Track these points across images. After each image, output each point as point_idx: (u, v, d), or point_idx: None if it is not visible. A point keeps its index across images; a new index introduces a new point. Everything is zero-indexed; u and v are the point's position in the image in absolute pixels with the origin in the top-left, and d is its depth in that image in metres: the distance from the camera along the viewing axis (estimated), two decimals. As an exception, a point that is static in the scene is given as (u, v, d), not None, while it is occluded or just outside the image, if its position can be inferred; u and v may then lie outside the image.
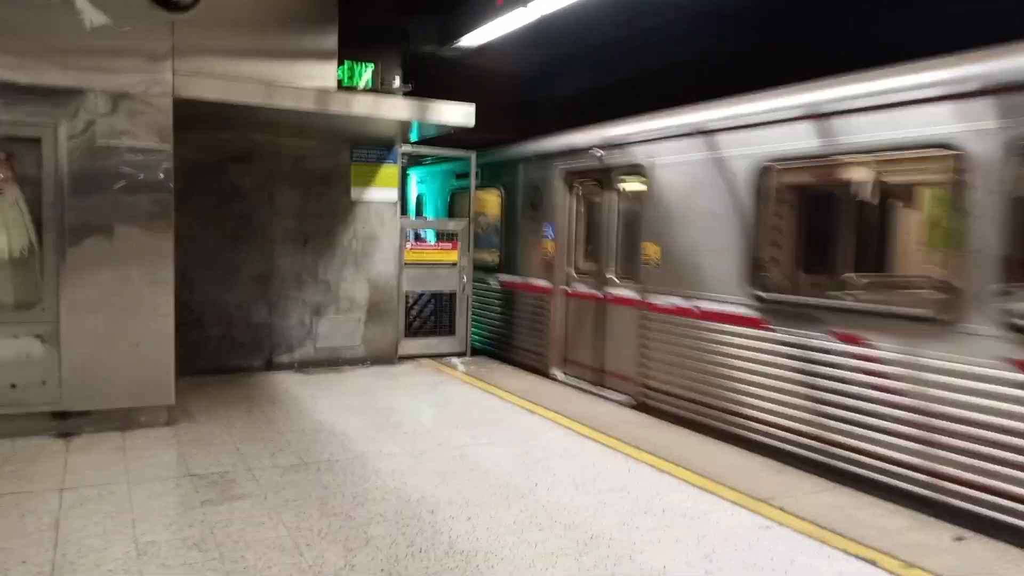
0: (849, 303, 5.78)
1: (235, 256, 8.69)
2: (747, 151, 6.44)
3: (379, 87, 7.62)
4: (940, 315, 5.01)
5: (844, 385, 5.61)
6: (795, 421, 5.99)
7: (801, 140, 5.97)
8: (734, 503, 4.99)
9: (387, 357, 9.54)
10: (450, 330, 10.22)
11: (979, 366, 4.78)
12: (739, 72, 7.64)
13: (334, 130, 8.57)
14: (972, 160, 4.82)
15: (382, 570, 3.91)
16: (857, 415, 5.52)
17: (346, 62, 7.53)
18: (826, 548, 4.33)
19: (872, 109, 5.45)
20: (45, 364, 6.10)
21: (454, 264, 10.15)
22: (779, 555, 4.23)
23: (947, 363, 4.97)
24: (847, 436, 5.58)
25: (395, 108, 7.67)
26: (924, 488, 5.07)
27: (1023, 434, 4.58)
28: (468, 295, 10.23)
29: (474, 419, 6.98)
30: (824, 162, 5.94)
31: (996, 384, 4.70)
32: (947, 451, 4.96)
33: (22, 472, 5.26)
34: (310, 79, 7.41)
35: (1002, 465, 4.66)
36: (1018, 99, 4.60)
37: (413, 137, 9.40)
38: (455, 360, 9.93)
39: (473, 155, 10.20)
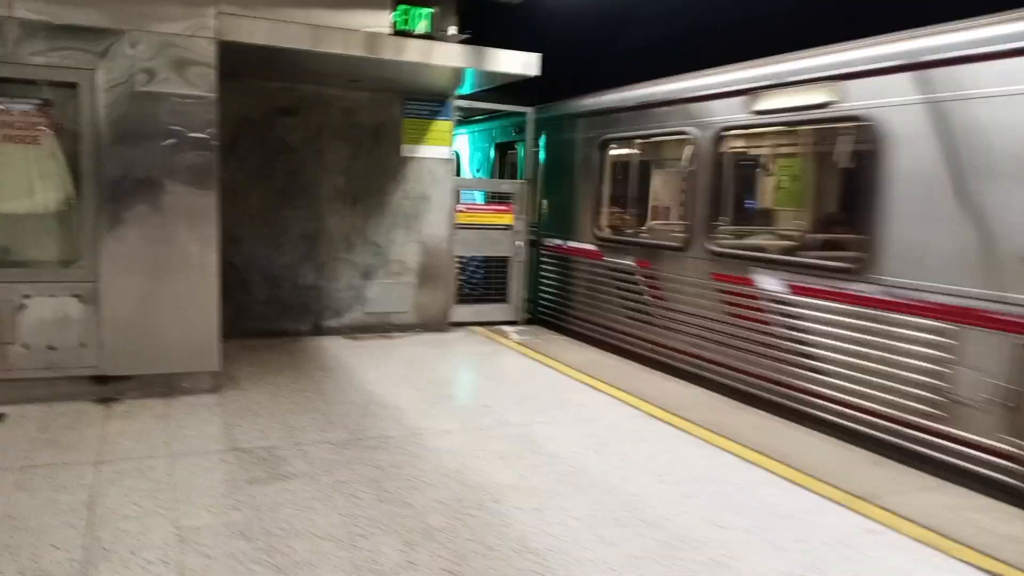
0: (643, 240, 8.44)
1: (282, 215, 8.28)
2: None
3: (436, 35, 7.05)
4: (682, 247, 7.46)
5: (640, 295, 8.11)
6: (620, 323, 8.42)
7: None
8: (832, 500, 4.45)
9: (438, 324, 9.11)
10: (503, 297, 9.74)
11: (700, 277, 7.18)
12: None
13: (385, 80, 8.05)
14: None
15: (446, 571, 3.47)
16: (643, 314, 8.10)
17: (400, 6, 6.96)
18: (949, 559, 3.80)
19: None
20: (84, 325, 5.76)
21: (508, 227, 9.63)
22: (896, 568, 3.70)
23: (686, 276, 7.35)
24: (636, 326, 8.27)
25: (449, 55, 7.08)
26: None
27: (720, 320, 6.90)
28: (522, 260, 9.72)
29: (532, 394, 6.51)
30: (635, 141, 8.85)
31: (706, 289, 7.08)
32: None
33: (59, 440, 4.94)
34: (362, 24, 6.89)
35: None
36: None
37: (465, 89, 8.82)
38: (508, 329, 9.47)
39: (531, 111, 9.61)
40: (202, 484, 4.34)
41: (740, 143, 7.68)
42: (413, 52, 6.83)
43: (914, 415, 5.28)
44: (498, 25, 9.18)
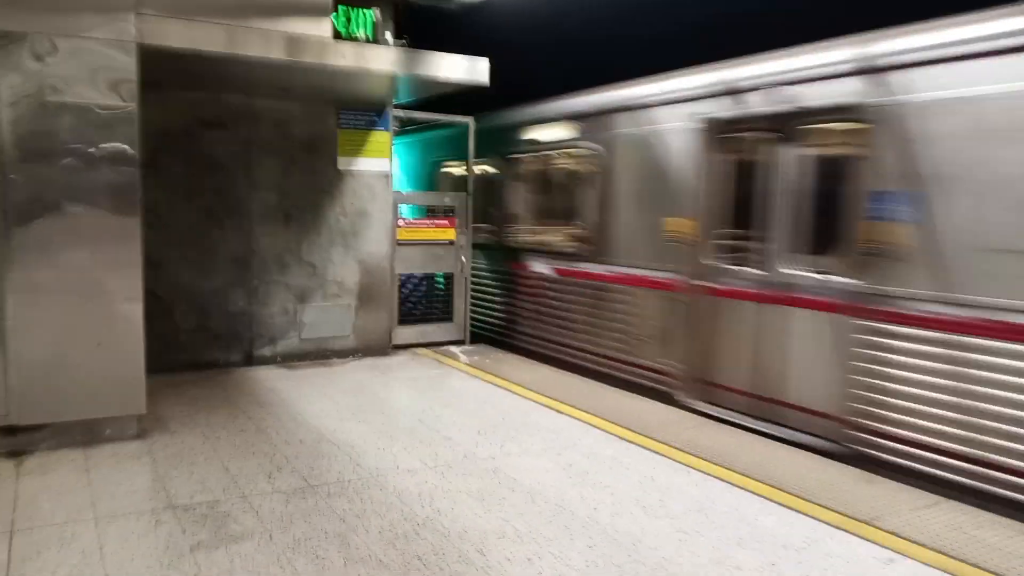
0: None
1: (209, 236, 7.62)
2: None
3: (379, 39, 6.58)
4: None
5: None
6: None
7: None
8: (836, 527, 4.17)
9: (380, 347, 8.57)
10: (447, 316, 9.27)
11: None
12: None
13: (318, 89, 7.50)
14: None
15: (442, 646, 3.00)
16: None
17: (340, 7, 6.46)
18: (976, 590, 3.54)
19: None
20: (-13, 369, 5.04)
21: (451, 243, 9.19)
22: (926, 603, 3.41)
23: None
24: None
25: (381, 59, 6.56)
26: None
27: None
28: (467, 277, 9.29)
29: (495, 421, 6.07)
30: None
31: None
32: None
33: (-40, 508, 4.24)
34: (303, 31, 6.36)
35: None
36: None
37: (405, 98, 8.35)
38: (455, 349, 9.00)
39: (471, 121, 9.19)
40: (138, 553, 3.74)
41: (532, 165, 9.35)
42: (341, 56, 6.30)
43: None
44: (434, 34, 8.76)
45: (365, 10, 6.43)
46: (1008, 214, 4.54)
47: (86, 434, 5.33)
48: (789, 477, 4.90)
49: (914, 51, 5.06)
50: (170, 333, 7.42)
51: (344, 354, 8.37)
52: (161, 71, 6.17)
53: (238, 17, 6.16)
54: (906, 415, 5.07)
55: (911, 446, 5.04)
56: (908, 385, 5.05)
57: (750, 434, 5.86)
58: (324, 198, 8.16)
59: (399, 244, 8.75)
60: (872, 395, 5.27)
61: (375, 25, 6.45)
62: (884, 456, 5.18)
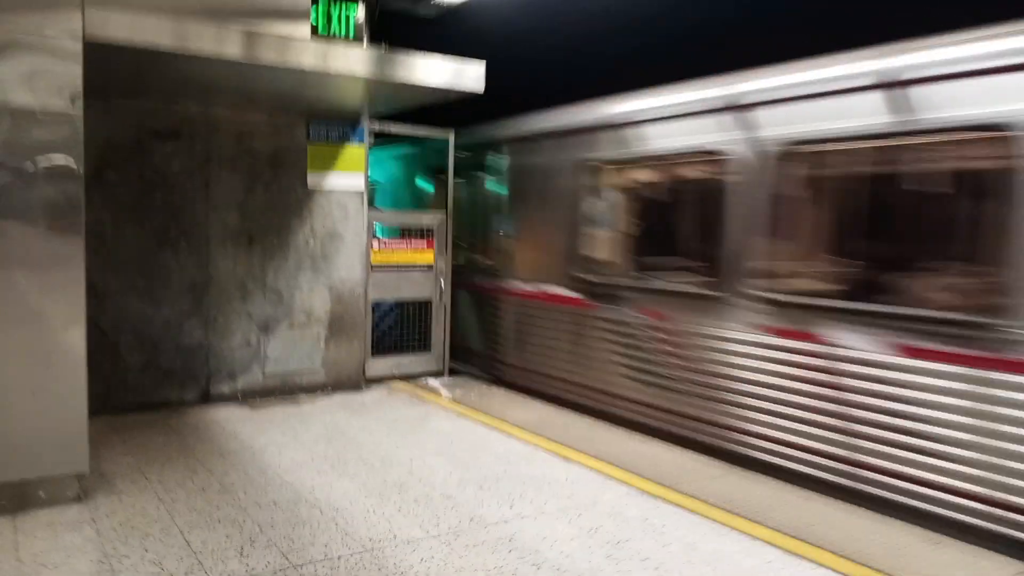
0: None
1: (161, 261, 6.76)
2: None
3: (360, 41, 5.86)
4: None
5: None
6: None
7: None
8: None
9: (353, 382, 7.78)
10: (424, 345, 8.51)
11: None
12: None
13: (284, 97, 6.69)
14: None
15: None
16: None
17: (320, 5, 5.71)
18: None
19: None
20: None
21: (430, 267, 8.45)
22: None
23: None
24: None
25: (351, 60, 5.73)
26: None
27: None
28: (446, 304, 8.55)
29: (496, 472, 5.35)
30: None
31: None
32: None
33: None
34: (278, 33, 5.60)
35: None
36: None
37: (379, 108, 7.61)
38: (434, 382, 8.24)
39: (451, 134, 8.50)
40: (81, 675, 2.91)
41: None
42: (305, 55, 5.49)
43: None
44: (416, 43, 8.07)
45: (349, 3, 5.67)
46: None
47: (15, 499, 4.46)
48: (839, 537, 4.28)
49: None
50: (116, 371, 6.54)
51: (313, 389, 7.55)
52: (108, 74, 5.36)
53: (212, 17, 5.38)
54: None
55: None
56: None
57: (779, 485, 5.24)
58: (291, 218, 7.37)
59: (373, 268, 7.98)
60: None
61: (357, 26, 5.71)
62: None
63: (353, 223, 7.69)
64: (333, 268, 7.61)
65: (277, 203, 7.29)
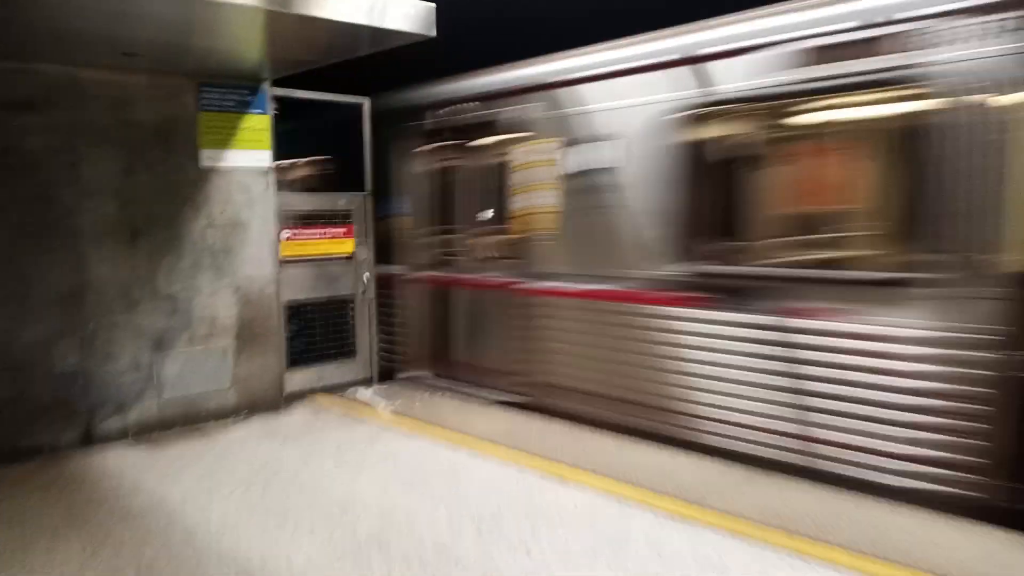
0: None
1: (19, 265, 5.24)
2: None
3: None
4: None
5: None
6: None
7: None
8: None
9: (270, 401, 6.48)
10: (349, 350, 7.29)
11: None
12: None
13: (165, 48, 5.18)
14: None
15: None
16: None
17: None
18: None
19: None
20: None
21: (349, 257, 7.22)
22: None
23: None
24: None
25: None
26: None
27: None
28: (371, 299, 7.35)
29: (491, 507, 4.31)
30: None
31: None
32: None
33: None
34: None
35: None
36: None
37: (282, 71, 6.27)
38: (366, 393, 7.05)
39: (366, 101, 7.27)
40: None
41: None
42: None
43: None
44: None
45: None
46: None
47: None
48: (961, 558, 3.55)
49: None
50: (-38, 414, 5.00)
51: (223, 415, 6.21)
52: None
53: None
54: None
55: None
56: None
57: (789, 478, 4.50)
58: (184, 206, 5.97)
59: (283, 263, 6.67)
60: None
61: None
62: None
63: (259, 209, 6.37)
64: (238, 265, 6.27)
65: (166, 187, 5.87)
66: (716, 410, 5.17)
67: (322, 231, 7.06)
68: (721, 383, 5.13)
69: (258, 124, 6.32)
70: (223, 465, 5.12)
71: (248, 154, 6.27)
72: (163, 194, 5.85)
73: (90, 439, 5.57)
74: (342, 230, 7.16)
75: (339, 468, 5.01)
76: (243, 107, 6.22)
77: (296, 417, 6.30)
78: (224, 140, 6.13)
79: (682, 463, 5.01)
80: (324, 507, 4.35)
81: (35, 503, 4.49)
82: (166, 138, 5.84)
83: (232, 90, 6.15)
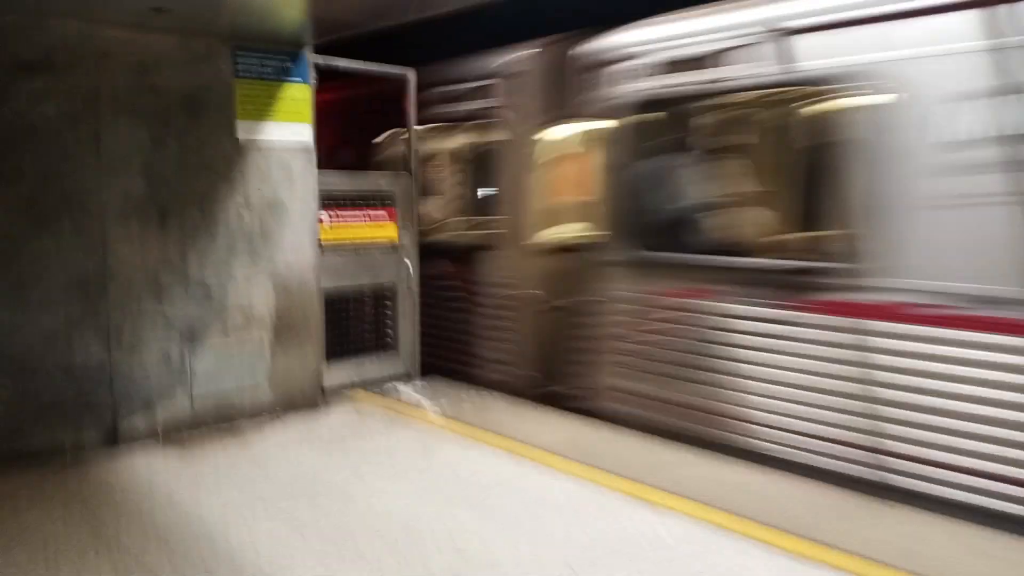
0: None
1: (30, 247, 4.69)
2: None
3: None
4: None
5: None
6: None
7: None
8: None
9: (307, 398, 5.94)
10: (391, 344, 6.73)
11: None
12: None
13: (196, 4, 4.67)
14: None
15: None
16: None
17: None
18: None
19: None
20: None
21: (393, 245, 6.65)
22: None
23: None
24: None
25: None
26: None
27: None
28: (415, 290, 6.79)
29: (579, 539, 3.76)
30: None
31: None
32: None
33: None
34: None
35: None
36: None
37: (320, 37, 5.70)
38: (406, 389, 6.50)
39: (412, 73, 6.67)
40: None
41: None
42: None
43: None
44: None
45: None
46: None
47: None
48: None
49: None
50: (-26, 413, 4.46)
51: (258, 413, 5.67)
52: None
53: None
54: None
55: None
56: None
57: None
58: (218, 184, 5.41)
59: (323, 249, 6.11)
60: None
61: None
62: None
63: (300, 189, 5.80)
64: (277, 250, 5.71)
65: (198, 163, 5.30)
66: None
67: (364, 214, 6.47)
68: None
69: (298, 94, 5.74)
70: (261, 473, 4.58)
71: (288, 127, 5.69)
72: (195, 170, 5.29)
73: (115, 439, 5.04)
74: (384, 213, 6.57)
75: (395, 483, 4.46)
76: (282, 74, 5.64)
77: (337, 418, 5.75)
78: (262, 111, 5.56)
79: (778, 485, 4.44)
80: (386, 533, 3.80)
81: (56, 513, 3.96)
82: (198, 108, 5.27)
83: (271, 55, 5.57)
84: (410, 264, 6.71)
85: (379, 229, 6.57)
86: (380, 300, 6.63)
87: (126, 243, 5.02)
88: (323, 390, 6.07)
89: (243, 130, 5.46)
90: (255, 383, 5.66)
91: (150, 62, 5.05)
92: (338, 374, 6.36)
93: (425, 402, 6.12)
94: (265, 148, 5.58)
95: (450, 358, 7.10)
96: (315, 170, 5.86)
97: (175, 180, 5.19)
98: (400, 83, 6.62)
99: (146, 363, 5.16)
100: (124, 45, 4.92)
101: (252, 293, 5.61)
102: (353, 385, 6.46)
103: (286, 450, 5.03)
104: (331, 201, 6.20)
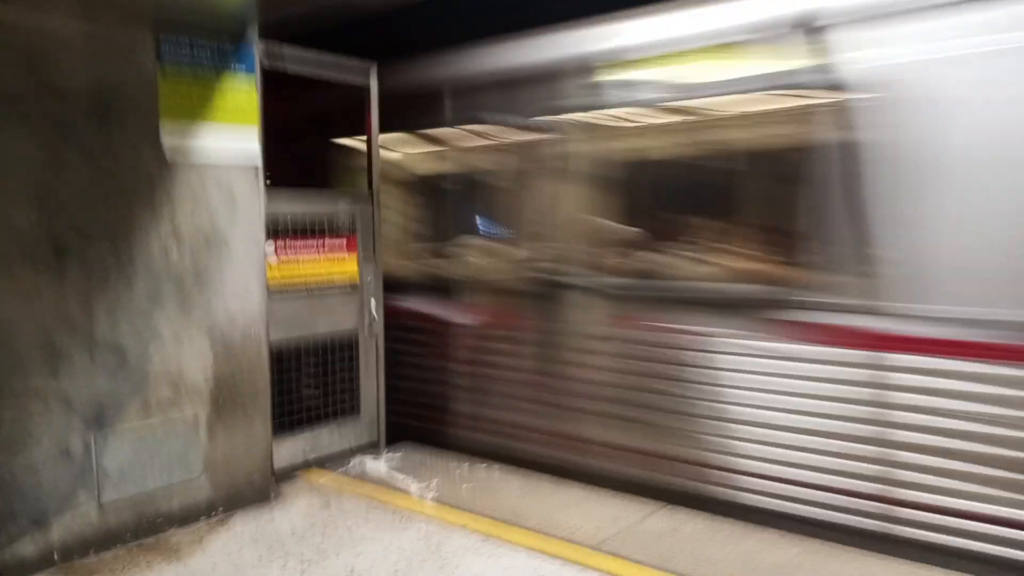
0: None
1: None
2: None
3: None
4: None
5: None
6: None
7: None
8: None
9: (258, 489, 4.56)
10: (350, 407, 5.42)
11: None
12: None
13: None
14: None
15: None
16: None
17: None
18: None
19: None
20: None
21: (353, 284, 5.36)
22: None
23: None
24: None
25: None
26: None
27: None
28: (379, 335, 5.51)
29: None
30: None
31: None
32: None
33: None
34: None
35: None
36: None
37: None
38: (377, 465, 5.22)
39: (374, 67, 5.43)
40: None
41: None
42: None
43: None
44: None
45: None
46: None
47: None
48: None
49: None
50: None
51: (193, 517, 4.26)
52: None
53: None
54: None
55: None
56: None
57: None
58: (137, 211, 4.00)
59: (271, 293, 4.76)
60: None
61: None
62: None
63: (245, 215, 4.45)
64: (215, 297, 4.33)
65: (110, 184, 3.89)
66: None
67: (317, 245, 5.16)
68: None
69: (242, 89, 4.41)
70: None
71: (229, 133, 4.35)
72: (106, 194, 3.87)
73: (-10, 577, 3.53)
74: (342, 243, 5.29)
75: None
76: (221, 63, 4.31)
77: (300, 514, 4.40)
78: (195, 111, 4.20)
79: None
80: None
81: None
82: (110, 111, 3.86)
83: (206, 39, 4.22)
84: (374, 305, 5.43)
85: (337, 264, 5.27)
86: (337, 353, 5.31)
87: (7, 295, 3.55)
88: (275, 475, 4.70)
89: (170, 137, 4.09)
90: (189, 477, 4.24)
91: (44, 53, 3.62)
92: (287, 450, 5.01)
93: (409, 483, 4.84)
94: (200, 163, 4.22)
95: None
96: (263, 190, 4.52)
97: (77, 207, 3.76)
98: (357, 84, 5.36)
99: (35, 462, 3.68)
100: (9, 30, 3.49)
101: (183, 356, 4.20)
102: (307, 464, 5.11)
103: (238, 568, 3.66)
104: (278, 230, 4.87)
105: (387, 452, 5.45)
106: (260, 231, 4.51)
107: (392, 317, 5.63)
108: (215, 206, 4.28)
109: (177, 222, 4.13)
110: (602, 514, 4.32)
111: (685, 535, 4.03)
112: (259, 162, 4.47)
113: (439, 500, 4.54)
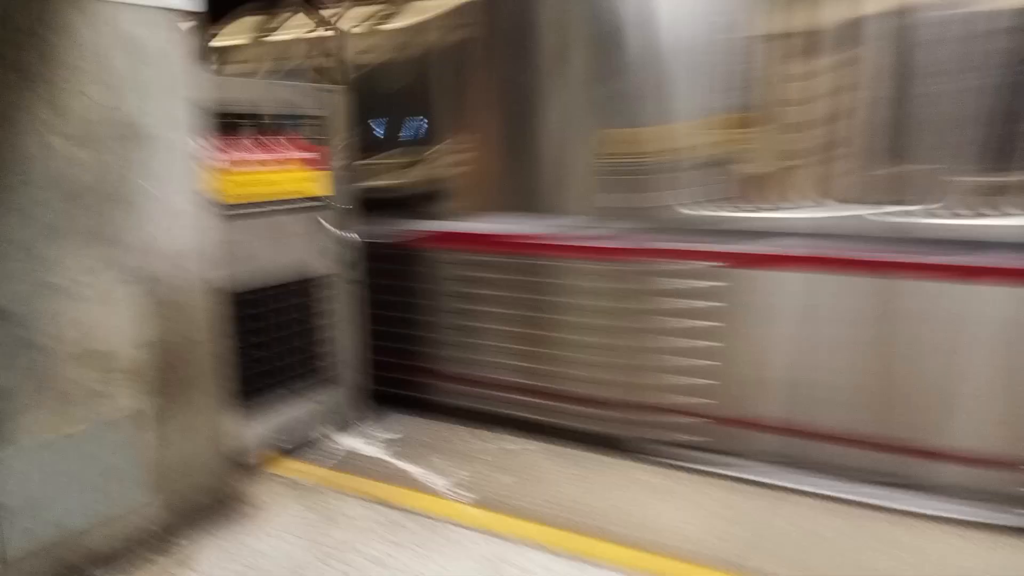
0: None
1: None
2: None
3: None
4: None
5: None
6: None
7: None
8: None
9: (227, 503, 3.14)
10: (322, 368, 4.02)
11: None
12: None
13: None
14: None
15: None
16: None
17: None
18: None
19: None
20: None
21: (316, 202, 3.91)
22: None
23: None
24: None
25: None
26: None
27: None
28: (359, 279, 4.11)
29: None
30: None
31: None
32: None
33: None
34: None
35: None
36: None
37: None
38: (367, 448, 3.89)
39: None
40: None
41: None
42: None
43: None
44: None
45: None
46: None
47: None
48: None
49: None
50: None
51: (136, 547, 2.80)
52: None
53: None
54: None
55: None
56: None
57: None
58: (5, 89, 2.40)
59: (227, 211, 3.27)
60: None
61: None
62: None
63: (168, 93, 2.89)
64: (139, 223, 2.80)
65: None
66: None
67: (268, 152, 3.65)
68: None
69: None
70: None
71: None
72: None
73: None
74: (303, 149, 3.80)
75: None
76: None
77: (291, 533, 3.03)
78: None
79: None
80: None
81: None
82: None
83: None
84: (351, 234, 4.01)
85: (302, 180, 3.79)
86: (304, 299, 3.87)
87: None
88: (240, 465, 3.30)
89: (52, -34, 2.48)
90: (127, 499, 2.77)
91: None
92: (252, 437, 3.58)
93: (430, 475, 3.54)
94: (97, 10, 2.63)
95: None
96: (186, 53, 2.97)
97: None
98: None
99: None
100: None
101: (105, 318, 2.69)
102: (281, 451, 3.71)
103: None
104: (222, 126, 3.34)
105: (372, 427, 4.11)
106: (194, 119, 2.98)
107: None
108: (123, 79, 2.72)
109: (68, 107, 2.56)
110: (716, 510, 3.20)
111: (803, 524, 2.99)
112: (193, 7, 2.90)
113: (480, 502, 3.27)
